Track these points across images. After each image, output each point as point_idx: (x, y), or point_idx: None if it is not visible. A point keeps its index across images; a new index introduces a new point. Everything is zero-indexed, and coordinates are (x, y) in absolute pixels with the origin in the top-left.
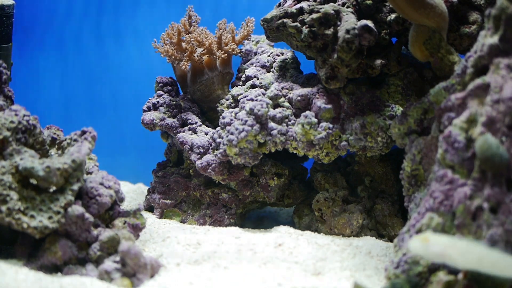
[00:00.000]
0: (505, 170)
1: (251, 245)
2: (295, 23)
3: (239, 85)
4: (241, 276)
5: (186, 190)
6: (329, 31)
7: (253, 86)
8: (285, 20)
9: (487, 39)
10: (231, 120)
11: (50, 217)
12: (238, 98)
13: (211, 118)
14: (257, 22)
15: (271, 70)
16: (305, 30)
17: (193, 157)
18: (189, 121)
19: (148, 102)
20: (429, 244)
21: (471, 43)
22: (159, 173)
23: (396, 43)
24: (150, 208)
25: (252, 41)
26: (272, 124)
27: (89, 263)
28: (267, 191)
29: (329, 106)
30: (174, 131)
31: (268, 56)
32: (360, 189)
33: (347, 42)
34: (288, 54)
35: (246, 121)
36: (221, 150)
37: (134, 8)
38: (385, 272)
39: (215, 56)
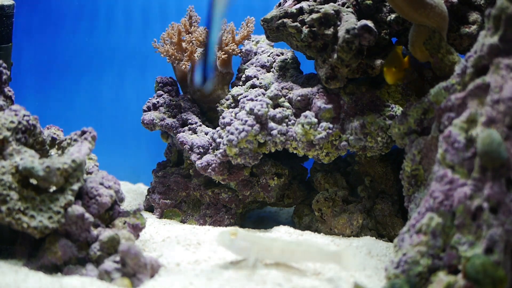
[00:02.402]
0: (504, 168)
1: None
2: (295, 23)
3: (239, 85)
4: (242, 276)
5: (186, 190)
6: (329, 31)
7: (253, 86)
8: (285, 20)
9: (487, 39)
10: (231, 120)
11: (50, 217)
12: (238, 98)
13: (211, 118)
14: (257, 22)
15: (271, 70)
16: (305, 30)
17: (193, 157)
18: (189, 121)
19: (148, 102)
20: (237, 239)
21: (471, 43)
22: (159, 173)
23: (396, 43)
24: (150, 208)
25: (252, 41)
26: (272, 124)
27: (89, 263)
28: (267, 191)
29: (329, 106)
30: (174, 131)
31: (268, 56)
32: (360, 189)
33: (347, 42)
34: (288, 54)
35: (246, 121)
36: (221, 150)
37: (136, 7)
38: (385, 272)
39: (215, 56)
